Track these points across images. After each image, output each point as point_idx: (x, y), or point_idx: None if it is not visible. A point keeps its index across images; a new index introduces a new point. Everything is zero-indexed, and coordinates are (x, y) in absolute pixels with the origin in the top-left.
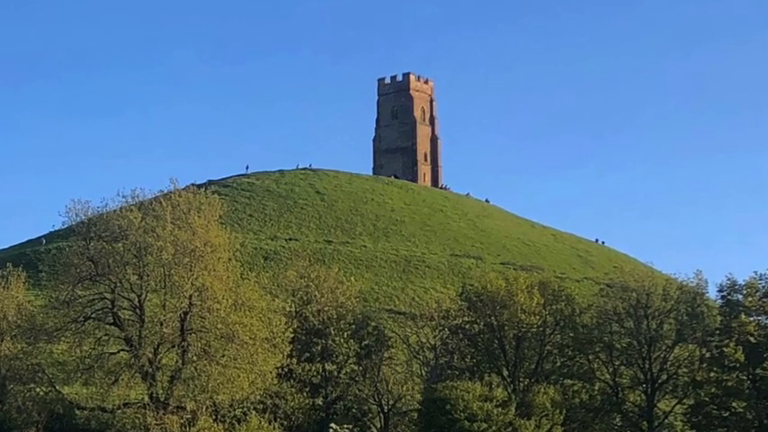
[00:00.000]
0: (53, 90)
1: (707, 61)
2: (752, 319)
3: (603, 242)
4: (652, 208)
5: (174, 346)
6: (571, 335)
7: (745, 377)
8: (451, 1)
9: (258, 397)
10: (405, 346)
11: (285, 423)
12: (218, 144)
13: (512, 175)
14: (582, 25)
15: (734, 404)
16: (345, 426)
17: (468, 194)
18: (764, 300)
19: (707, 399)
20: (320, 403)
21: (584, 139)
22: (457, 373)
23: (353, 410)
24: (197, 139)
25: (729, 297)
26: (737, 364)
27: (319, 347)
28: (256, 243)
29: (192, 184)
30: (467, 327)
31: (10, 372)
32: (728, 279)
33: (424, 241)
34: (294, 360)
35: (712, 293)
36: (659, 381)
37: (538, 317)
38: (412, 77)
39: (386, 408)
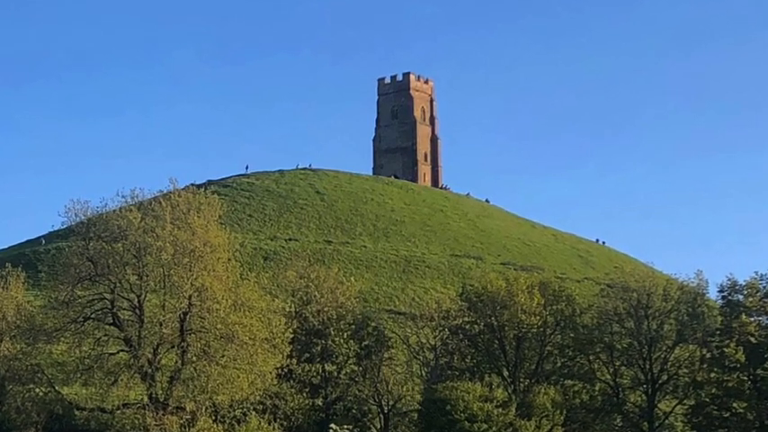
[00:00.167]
0: (53, 90)
1: (707, 61)
2: (752, 319)
3: (604, 242)
4: (652, 208)
5: (173, 347)
6: (571, 335)
7: (745, 378)
8: (451, 1)
9: (258, 397)
10: (405, 346)
11: (285, 424)
12: (217, 144)
13: (512, 175)
14: (582, 25)
15: (734, 405)
16: (345, 426)
17: (468, 194)
18: (765, 300)
19: (707, 399)
20: (320, 404)
21: (585, 139)
22: (457, 373)
23: (353, 411)
24: (197, 139)
25: (730, 297)
26: (738, 365)
27: (319, 348)
28: (256, 243)
29: (192, 185)
30: (467, 327)
31: (9, 372)
32: (729, 279)
33: (424, 241)
34: (294, 360)
35: (713, 294)
36: (660, 381)
37: (538, 317)
38: (412, 77)
39: (386, 408)
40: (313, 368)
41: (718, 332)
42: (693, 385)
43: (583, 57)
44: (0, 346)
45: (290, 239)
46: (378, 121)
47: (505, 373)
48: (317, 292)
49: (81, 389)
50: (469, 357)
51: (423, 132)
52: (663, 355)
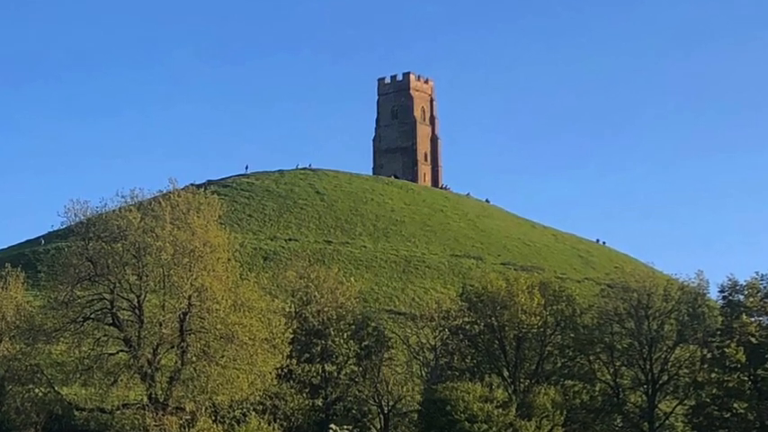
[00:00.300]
0: (52, 90)
1: (707, 61)
2: (753, 319)
3: (604, 242)
4: (653, 208)
5: (173, 347)
6: (572, 335)
7: (746, 378)
8: (452, 1)
9: (258, 398)
10: (405, 346)
11: (285, 424)
12: (217, 144)
13: (512, 175)
14: (582, 25)
15: (735, 405)
16: (345, 427)
17: (468, 194)
18: (766, 300)
19: (708, 400)
20: (320, 404)
21: (585, 139)
22: (457, 373)
23: (353, 411)
24: (196, 139)
25: (731, 297)
26: (739, 365)
27: (319, 348)
28: (256, 243)
29: (192, 185)
30: (467, 327)
31: (9, 372)
32: (730, 279)
33: (424, 241)
34: (294, 361)
35: (713, 294)
36: (660, 381)
37: (538, 317)
38: (412, 77)
39: (386, 408)
40: (313, 368)
41: (718, 332)
42: (694, 385)
43: (583, 57)
44: None
45: (289, 239)
46: (378, 121)
47: (506, 374)
48: (316, 293)
49: (80, 389)
50: (470, 358)
51: (423, 132)
52: (663, 356)
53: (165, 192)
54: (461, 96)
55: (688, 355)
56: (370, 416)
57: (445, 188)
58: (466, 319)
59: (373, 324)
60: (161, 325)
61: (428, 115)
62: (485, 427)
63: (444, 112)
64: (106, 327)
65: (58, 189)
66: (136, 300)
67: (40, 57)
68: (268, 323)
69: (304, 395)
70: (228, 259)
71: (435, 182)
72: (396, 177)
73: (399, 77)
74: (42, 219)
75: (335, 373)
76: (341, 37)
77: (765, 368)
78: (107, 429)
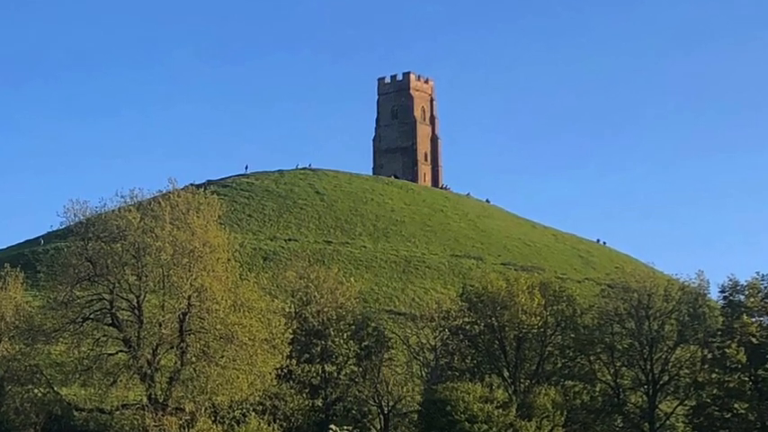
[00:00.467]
0: (52, 90)
1: (707, 61)
2: (754, 319)
3: (605, 242)
4: (653, 208)
5: (172, 347)
6: (572, 336)
7: (747, 378)
8: (452, 1)
9: (257, 398)
10: (405, 346)
11: (284, 424)
12: (217, 144)
13: (512, 175)
14: (582, 25)
15: (736, 405)
16: (345, 427)
17: (468, 194)
18: (766, 300)
19: (708, 400)
20: (320, 404)
21: (585, 139)
22: (457, 374)
23: (353, 412)
24: (196, 138)
25: (731, 298)
26: (739, 366)
27: (319, 348)
28: (255, 243)
29: (191, 185)
30: (467, 328)
31: (8, 373)
32: (730, 280)
33: (424, 242)
34: (294, 361)
35: (714, 294)
36: (661, 382)
37: (539, 318)
38: (412, 77)
39: (386, 409)
40: (313, 369)
41: (719, 333)
42: (694, 386)
43: (583, 57)
44: None
45: (289, 240)
46: (378, 120)
47: (506, 374)
48: (316, 293)
49: (80, 389)
50: (470, 358)
51: (423, 132)
52: (664, 356)
53: (164, 192)
54: (461, 96)
55: (689, 355)
56: (370, 416)
57: (445, 188)
58: (466, 320)
59: (373, 324)
60: (160, 325)
61: (428, 115)
62: (485, 427)
63: (444, 111)
64: (105, 327)
65: (57, 189)
66: (135, 300)
67: (40, 56)
68: (268, 323)
69: (304, 395)
70: (228, 259)
71: (435, 182)
72: (396, 177)
73: (399, 77)
74: (41, 219)
75: (335, 374)
76: (341, 37)
77: (766, 368)
78: (106, 430)
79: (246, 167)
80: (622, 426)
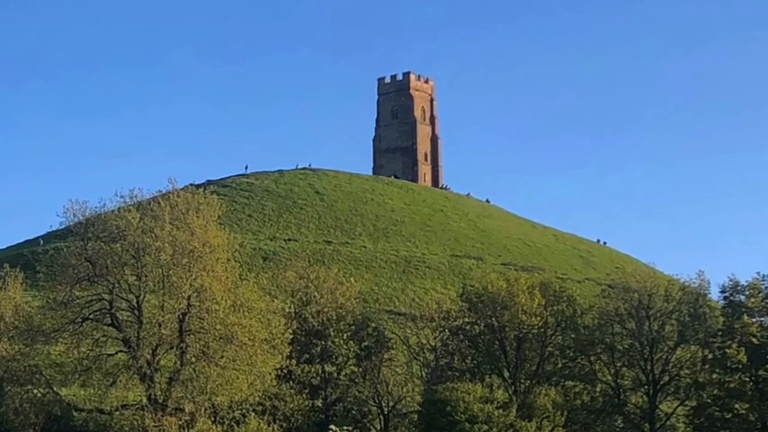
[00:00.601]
0: (51, 90)
1: (707, 61)
2: (754, 320)
3: (605, 242)
4: (654, 208)
5: (172, 348)
6: (572, 336)
7: (747, 379)
8: (452, 1)
9: (257, 398)
10: (405, 347)
11: (284, 425)
12: (216, 144)
13: (512, 175)
14: (582, 25)
15: (736, 406)
16: (345, 427)
17: (468, 194)
18: (767, 301)
19: (709, 400)
20: (320, 405)
21: (585, 139)
22: (457, 374)
23: (353, 412)
24: (196, 138)
25: (732, 298)
26: (740, 366)
27: (319, 349)
28: (255, 243)
29: (191, 185)
30: (467, 328)
31: (7, 373)
32: (731, 280)
33: (424, 242)
34: (293, 361)
35: (714, 294)
36: (661, 382)
37: (539, 318)
38: (412, 77)
39: (386, 409)
40: (313, 369)
41: (719, 333)
42: (695, 386)
43: (583, 57)
44: None
45: (289, 240)
46: (378, 120)
47: (506, 374)
48: (316, 293)
49: (79, 390)
50: (470, 358)
51: (423, 132)
52: (664, 356)
53: (164, 192)
54: (461, 96)
55: (689, 355)
56: (370, 417)
57: (445, 188)
58: (466, 320)
59: (373, 325)
60: (160, 325)
61: (428, 115)
62: (485, 427)
63: (444, 111)
64: (105, 327)
65: (56, 189)
66: (135, 300)
67: (40, 56)
68: (268, 324)
69: (304, 396)
70: (228, 259)
71: (435, 182)
72: (396, 177)
73: (399, 77)
74: (41, 219)
75: (335, 374)
76: (341, 37)
77: (766, 369)
78: (106, 430)
79: (246, 167)
80: (623, 426)
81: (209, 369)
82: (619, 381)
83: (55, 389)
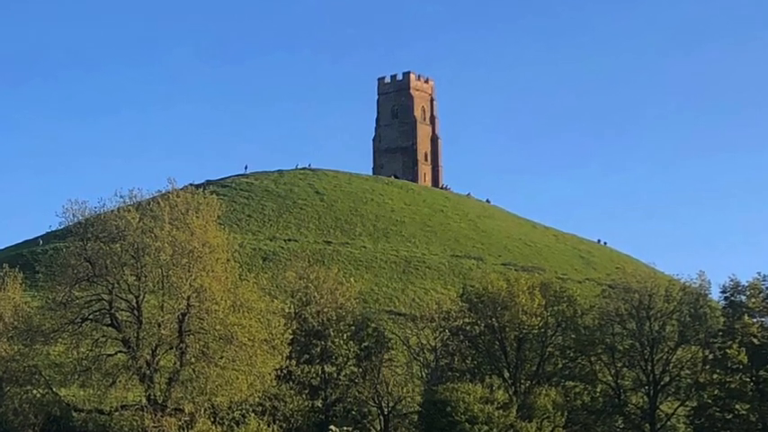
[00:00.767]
0: (50, 89)
1: (709, 60)
2: (755, 320)
3: (605, 243)
4: (654, 208)
5: (172, 348)
6: (573, 336)
7: (748, 379)
8: (452, 0)
9: (257, 399)
10: (405, 347)
11: (284, 425)
12: (216, 144)
13: (513, 175)
14: (583, 25)
15: (737, 406)
16: (345, 428)
17: (468, 195)
18: None
19: (710, 401)
20: (319, 405)
21: (586, 139)
22: (457, 374)
23: (353, 412)
24: (195, 138)
25: (732, 298)
26: (741, 366)
27: (319, 349)
28: (255, 244)
29: (191, 185)
30: (467, 328)
31: (6, 374)
32: (732, 280)
33: (424, 242)
34: (293, 362)
35: (715, 295)
36: (662, 383)
37: (539, 318)
38: (412, 76)
39: (386, 410)
40: (312, 369)
41: (720, 333)
42: (695, 387)
43: (584, 56)
44: None
45: (289, 240)
46: (378, 120)
47: (506, 375)
48: (316, 293)
49: (79, 390)
50: (470, 359)
51: (423, 132)
52: (665, 357)
53: (163, 192)
54: (462, 96)
55: (690, 356)
56: (369, 417)
57: (445, 188)
58: (466, 320)
59: (373, 325)
60: (160, 326)
61: (428, 115)
62: (485, 428)
63: (445, 111)
64: (105, 327)
65: (56, 189)
66: (134, 300)
67: (39, 56)
68: (267, 324)
69: (303, 396)
70: (228, 260)
71: (436, 182)
72: (396, 177)
73: (399, 77)
74: (40, 219)
75: (335, 375)
76: (341, 36)
77: (767, 369)
78: (106, 431)
79: (246, 167)
80: (623, 427)
81: (209, 369)
82: (619, 381)
83: (54, 389)
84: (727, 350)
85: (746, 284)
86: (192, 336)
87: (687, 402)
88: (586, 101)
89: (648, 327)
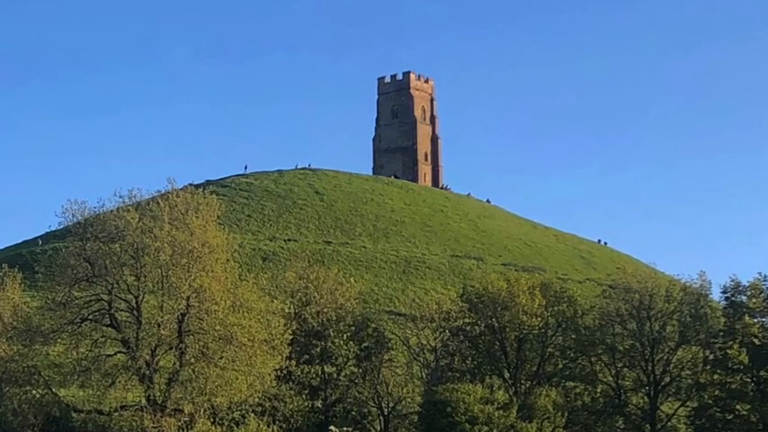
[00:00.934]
0: (50, 89)
1: (710, 60)
2: (756, 320)
3: (606, 243)
4: (655, 208)
5: (171, 348)
6: (573, 337)
7: (749, 379)
8: (452, 0)
9: (257, 399)
10: (405, 347)
11: (284, 426)
12: (216, 144)
13: (513, 175)
14: (584, 24)
15: (738, 407)
16: (345, 428)
17: (469, 194)
18: None
19: (710, 401)
20: (319, 406)
21: (587, 139)
22: (458, 375)
23: (353, 413)
24: (195, 138)
25: (733, 298)
26: (741, 367)
27: (318, 349)
28: (255, 244)
29: (190, 185)
30: (468, 328)
31: (6, 374)
32: (732, 280)
33: (424, 242)
34: (293, 362)
35: (716, 295)
36: (662, 383)
37: (539, 318)
38: (412, 76)
39: (386, 410)
40: (312, 370)
41: (721, 333)
42: (696, 387)
43: (585, 56)
44: None
45: (289, 240)
46: (378, 120)
47: (506, 375)
48: (316, 294)
49: (78, 391)
50: (470, 359)
51: (423, 132)
52: (665, 357)
53: (163, 192)
54: (462, 96)
55: (690, 356)
56: (369, 417)
57: (446, 188)
58: (466, 321)
59: (373, 325)
60: (159, 326)
61: (428, 115)
62: (485, 428)
63: (445, 111)
64: (104, 328)
65: (55, 189)
66: (134, 301)
67: (39, 56)
68: (267, 324)
69: (303, 397)
70: (227, 260)
71: (436, 182)
72: (396, 177)
73: (399, 77)
74: (40, 219)
75: (335, 375)
76: (341, 36)
77: None
78: (105, 431)
79: (246, 167)
80: (623, 427)
81: (209, 370)
82: (620, 381)
83: (54, 390)
84: (728, 350)
85: (747, 285)
86: (191, 336)
87: (688, 403)
88: (587, 101)
89: (649, 327)
